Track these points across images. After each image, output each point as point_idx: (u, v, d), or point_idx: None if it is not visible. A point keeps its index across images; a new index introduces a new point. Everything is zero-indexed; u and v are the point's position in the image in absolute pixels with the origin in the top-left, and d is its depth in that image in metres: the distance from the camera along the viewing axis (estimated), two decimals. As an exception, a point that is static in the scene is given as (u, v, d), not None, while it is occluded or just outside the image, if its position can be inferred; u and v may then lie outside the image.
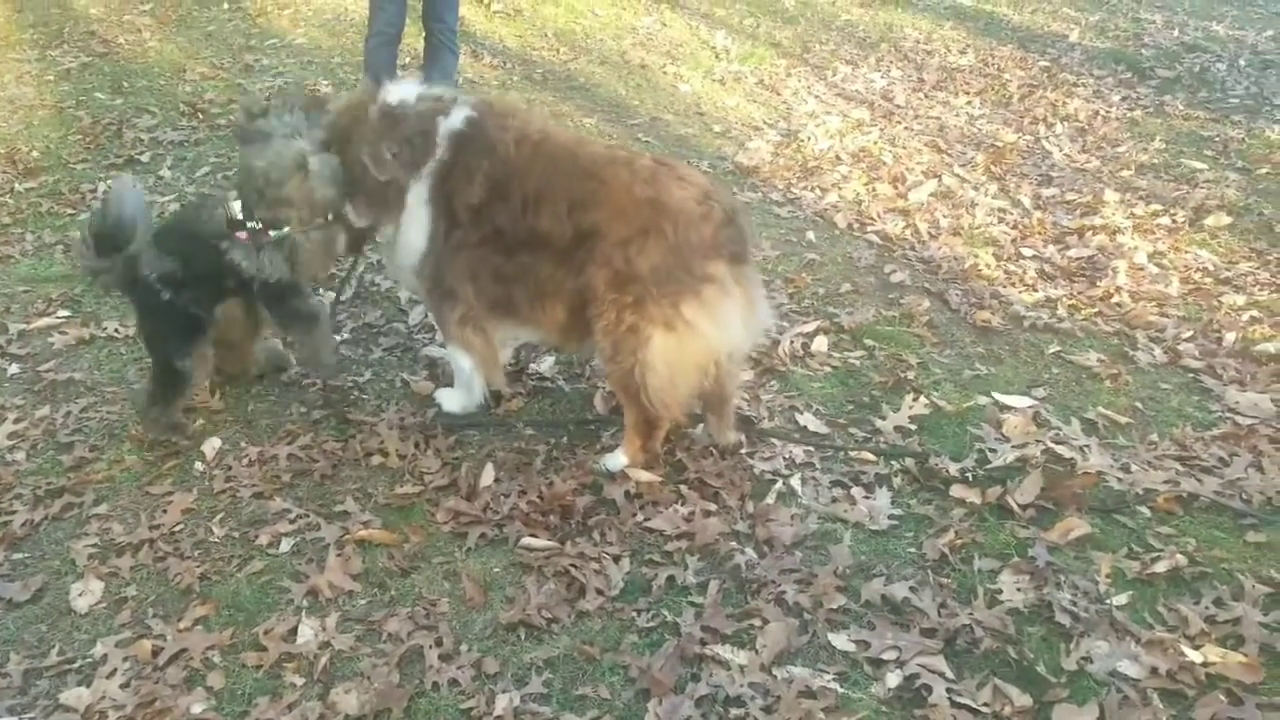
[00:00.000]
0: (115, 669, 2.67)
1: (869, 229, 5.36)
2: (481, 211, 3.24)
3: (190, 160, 5.87)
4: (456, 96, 3.39)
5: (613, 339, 3.13)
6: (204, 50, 7.80)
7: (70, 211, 5.22)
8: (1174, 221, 5.45)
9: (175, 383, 3.48)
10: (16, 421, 3.63)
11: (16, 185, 5.48)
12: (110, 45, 7.82)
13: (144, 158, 5.86)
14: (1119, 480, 3.44)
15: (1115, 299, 4.69)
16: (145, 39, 8.00)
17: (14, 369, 3.95)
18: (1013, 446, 3.56)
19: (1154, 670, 2.67)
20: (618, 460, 3.42)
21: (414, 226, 3.36)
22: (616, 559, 3.06)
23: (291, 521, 3.22)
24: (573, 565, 3.02)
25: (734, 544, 3.13)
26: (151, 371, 3.53)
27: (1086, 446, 3.59)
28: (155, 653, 2.72)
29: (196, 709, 2.57)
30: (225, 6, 8.80)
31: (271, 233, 3.25)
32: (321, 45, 8.01)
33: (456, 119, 3.29)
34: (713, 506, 3.28)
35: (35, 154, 5.90)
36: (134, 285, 3.39)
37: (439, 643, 2.77)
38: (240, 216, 3.24)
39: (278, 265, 3.29)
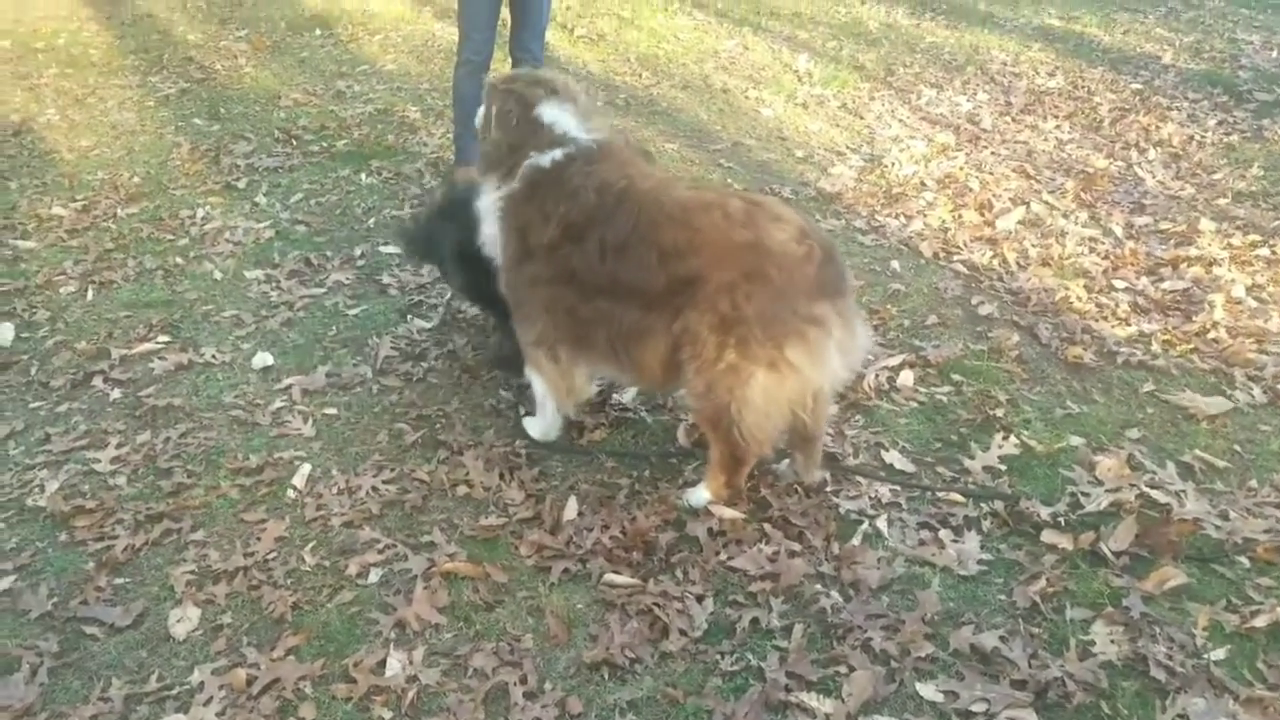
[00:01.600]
0: (211, 697, 2.74)
1: (955, 258, 5.29)
2: (555, 251, 3.31)
3: (285, 186, 6.03)
4: (576, 139, 3.46)
5: (707, 377, 3.13)
6: (297, 76, 8.01)
7: (170, 237, 5.39)
8: (1274, 253, 5.27)
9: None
10: (119, 446, 3.75)
11: (119, 211, 5.67)
12: (208, 72, 8.08)
13: (240, 184, 6.03)
14: (1216, 528, 3.34)
15: (1212, 334, 4.55)
16: (241, 65, 8.24)
17: (116, 394, 4.09)
18: (1106, 490, 3.47)
19: (1256, 731, 2.58)
20: (701, 496, 3.42)
21: (490, 235, 3.57)
22: (700, 599, 3.06)
23: (380, 552, 3.27)
24: (656, 604, 3.02)
25: (819, 586, 3.10)
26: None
27: (1182, 492, 3.49)
28: (249, 682, 2.79)
29: (289, 740, 2.64)
30: (317, 33, 9.04)
31: None
32: (411, 71, 8.17)
33: (545, 159, 3.39)
34: (797, 546, 3.26)
35: (136, 180, 6.10)
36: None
37: (524, 680, 2.80)
38: None
39: None
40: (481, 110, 3.69)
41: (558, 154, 3.39)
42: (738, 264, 3.04)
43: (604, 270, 3.23)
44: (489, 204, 3.55)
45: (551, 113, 3.49)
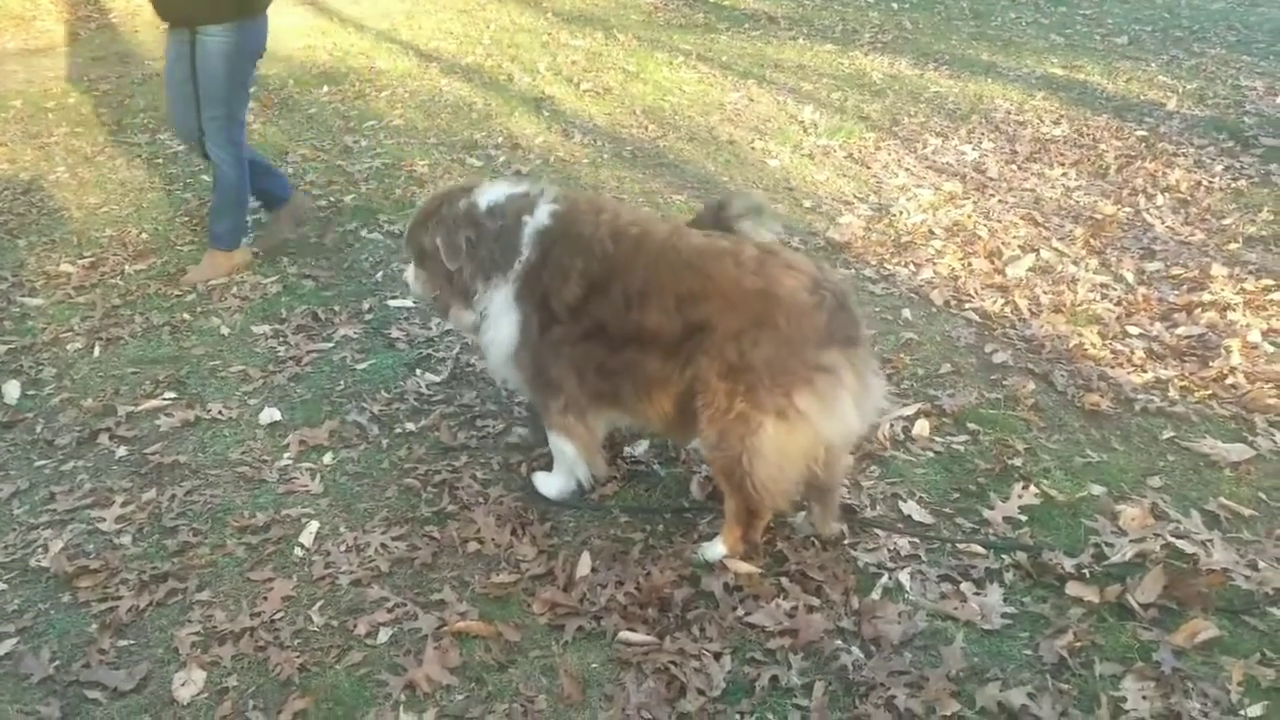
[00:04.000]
0: (216, 763, 2.67)
1: (967, 306, 5.25)
2: (580, 308, 3.25)
3: (294, 241, 6.01)
4: (542, 190, 3.46)
5: (719, 426, 3.08)
6: (305, 132, 8.06)
7: (177, 293, 5.37)
8: (1288, 297, 5.24)
9: None
10: (124, 505, 3.70)
11: (126, 267, 5.66)
12: (216, 129, 8.10)
13: (247, 240, 6.02)
14: (1246, 578, 3.25)
15: (1230, 380, 4.49)
16: (249, 122, 8.24)
17: (122, 451, 4.04)
18: (1130, 540, 3.39)
19: (1298, 792, 2.49)
20: (716, 550, 3.35)
21: (504, 324, 3.42)
22: (717, 656, 2.98)
23: (389, 610, 3.20)
24: (672, 662, 2.95)
25: (839, 642, 3.03)
26: None
27: (1209, 541, 3.41)
28: (255, 747, 2.71)
29: (296, 808, 2.55)
30: (325, 89, 9.11)
31: None
32: (418, 126, 8.21)
33: (542, 216, 3.36)
34: (816, 601, 3.18)
35: (144, 236, 6.11)
36: None
37: (538, 743, 2.72)
38: None
39: None
40: (410, 269, 3.68)
41: (551, 206, 3.38)
42: (747, 311, 3.02)
43: (630, 319, 3.19)
44: (502, 299, 3.41)
45: (494, 192, 3.47)
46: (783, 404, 2.99)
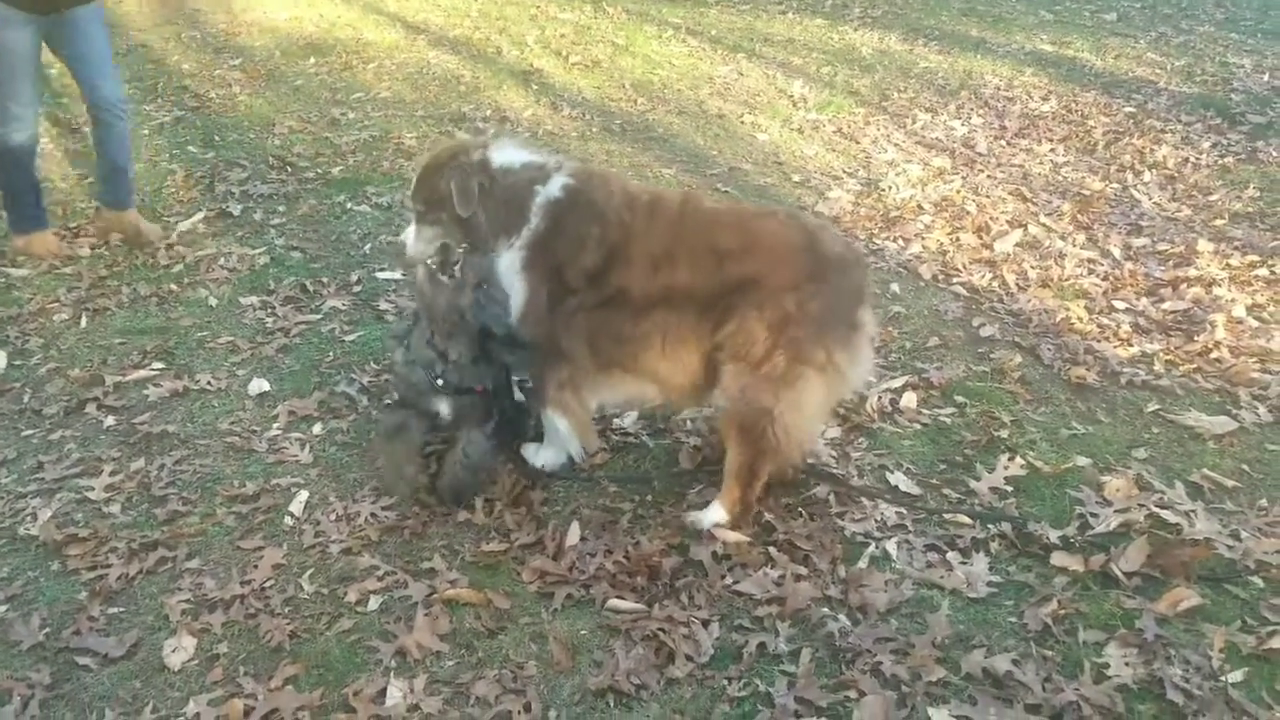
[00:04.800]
0: (208, 729, 2.68)
1: (955, 280, 5.27)
2: (600, 276, 3.26)
3: (281, 213, 5.99)
4: (560, 165, 3.43)
5: (746, 379, 3.14)
6: (292, 104, 8.00)
7: (164, 264, 5.34)
8: (1273, 273, 5.27)
9: None
10: (112, 474, 3.70)
11: (113, 238, 5.62)
12: (202, 100, 8.06)
13: (235, 210, 6.00)
14: (1229, 548, 3.29)
15: (1215, 354, 4.53)
16: (235, 94, 8.23)
17: (110, 421, 4.03)
18: (1115, 511, 3.43)
19: (1277, 755, 2.53)
20: (713, 515, 3.38)
21: (516, 290, 3.39)
22: (705, 624, 3.01)
23: (379, 579, 3.21)
24: (661, 629, 2.97)
25: (826, 610, 3.05)
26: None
27: (1192, 512, 3.45)
28: (247, 712, 2.72)
29: (287, 772, 2.57)
30: (312, 61, 9.04)
31: None
32: (405, 98, 8.17)
33: (554, 189, 3.33)
34: (803, 570, 3.21)
35: (131, 207, 6.06)
36: None
37: (527, 708, 2.74)
38: None
39: None
40: (410, 228, 3.56)
41: (565, 180, 3.35)
42: (800, 267, 3.12)
43: (658, 281, 3.22)
44: (510, 261, 3.37)
45: (508, 154, 3.43)
46: (824, 358, 3.11)
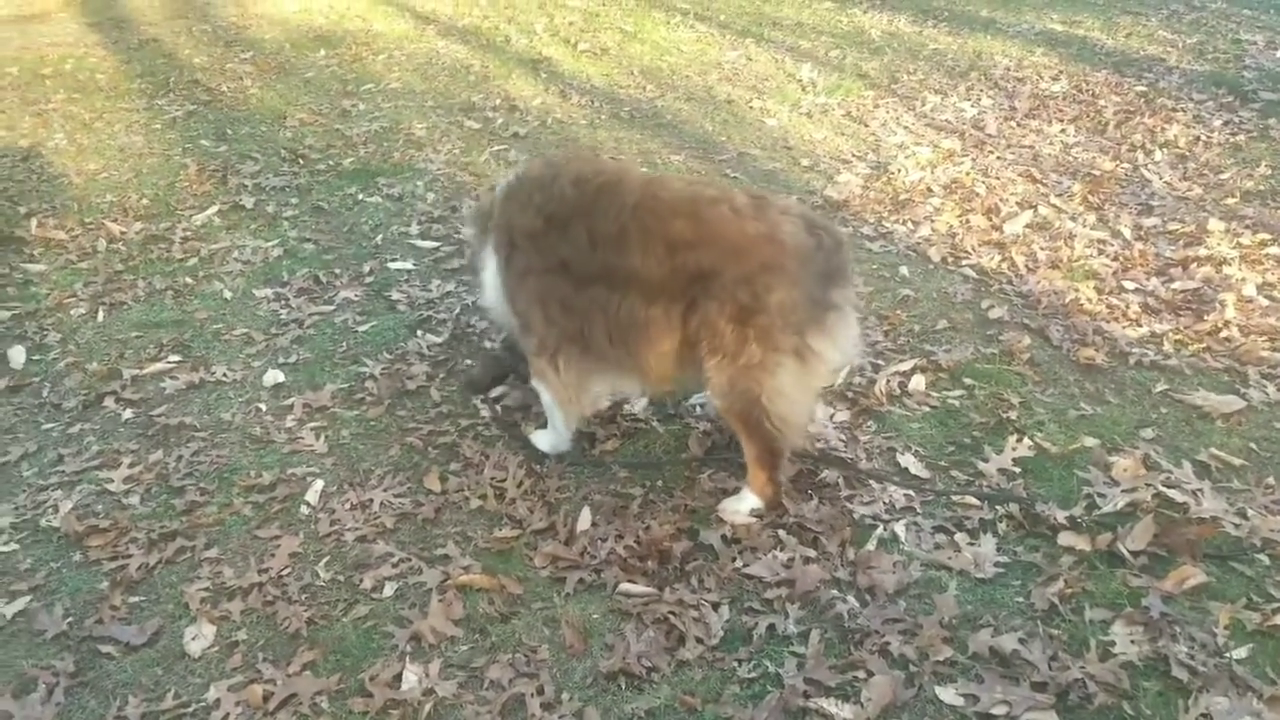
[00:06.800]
0: (228, 714, 2.74)
1: (964, 263, 5.28)
2: (540, 240, 3.39)
3: (294, 205, 6.04)
4: (519, 163, 3.78)
5: (730, 372, 3.16)
6: (303, 97, 8.05)
7: (179, 257, 5.40)
8: (1284, 251, 5.26)
9: None
10: (131, 466, 3.76)
11: (128, 232, 5.69)
12: (214, 94, 8.12)
13: (248, 203, 6.05)
14: (1235, 526, 3.31)
15: (1224, 334, 4.53)
16: (247, 87, 8.28)
17: (128, 414, 4.09)
18: (1122, 491, 3.45)
19: (1281, 730, 2.56)
20: (747, 503, 3.42)
21: (487, 274, 3.67)
22: (716, 606, 3.05)
23: (394, 565, 3.27)
24: (672, 613, 3.01)
25: (835, 592, 3.09)
26: None
27: (1199, 490, 3.46)
28: (266, 698, 2.78)
29: (306, 755, 2.62)
30: (322, 53, 9.08)
31: None
32: (415, 89, 8.20)
33: (509, 178, 3.63)
34: (812, 552, 3.24)
35: (145, 201, 6.13)
36: None
37: (540, 691, 2.79)
38: None
39: None
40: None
41: (519, 170, 3.67)
42: (754, 256, 3.10)
43: (597, 259, 3.27)
44: (485, 254, 3.69)
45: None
46: (798, 344, 3.12)
